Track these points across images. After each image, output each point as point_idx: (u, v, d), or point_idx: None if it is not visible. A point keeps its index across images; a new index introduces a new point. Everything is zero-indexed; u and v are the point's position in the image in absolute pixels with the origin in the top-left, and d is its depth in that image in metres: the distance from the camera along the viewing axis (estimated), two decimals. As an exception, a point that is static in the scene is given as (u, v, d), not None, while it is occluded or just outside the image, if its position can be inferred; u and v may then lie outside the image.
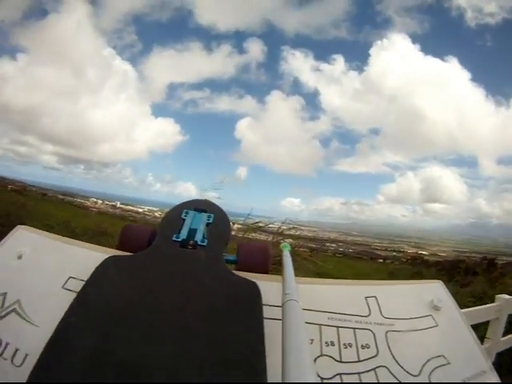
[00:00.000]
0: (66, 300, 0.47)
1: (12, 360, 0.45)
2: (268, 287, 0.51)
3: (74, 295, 0.47)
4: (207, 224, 0.58)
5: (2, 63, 28.97)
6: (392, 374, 0.48)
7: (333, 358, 0.49)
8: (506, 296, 2.73)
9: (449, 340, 0.55)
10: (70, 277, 0.53)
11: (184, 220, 0.57)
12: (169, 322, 0.43)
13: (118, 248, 0.57)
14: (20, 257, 0.56)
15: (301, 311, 0.42)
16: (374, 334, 0.52)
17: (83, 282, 0.49)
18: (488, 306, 2.69)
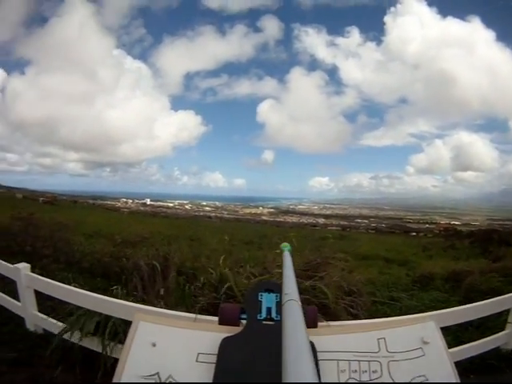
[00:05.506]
0: (204, 370, 0.74)
1: None
2: (319, 339, 0.82)
3: (207, 365, 0.74)
4: (276, 302, 0.86)
5: (12, 80, 29.14)
6: None
7: (356, 379, 0.82)
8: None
9: (431, 364, 0.85)
10: (199, 353, 0.78)
11: (261, 302, 0.86)
12: (273, 380, 0.66)
13: (220, 323, 0.85)
14: (154, 344, 0.78)
15: (300, 311, 0.50)
16: (381, 364, 0.84)
17: (209, 355, 0.76)
18: (508, 295, 2.90)
